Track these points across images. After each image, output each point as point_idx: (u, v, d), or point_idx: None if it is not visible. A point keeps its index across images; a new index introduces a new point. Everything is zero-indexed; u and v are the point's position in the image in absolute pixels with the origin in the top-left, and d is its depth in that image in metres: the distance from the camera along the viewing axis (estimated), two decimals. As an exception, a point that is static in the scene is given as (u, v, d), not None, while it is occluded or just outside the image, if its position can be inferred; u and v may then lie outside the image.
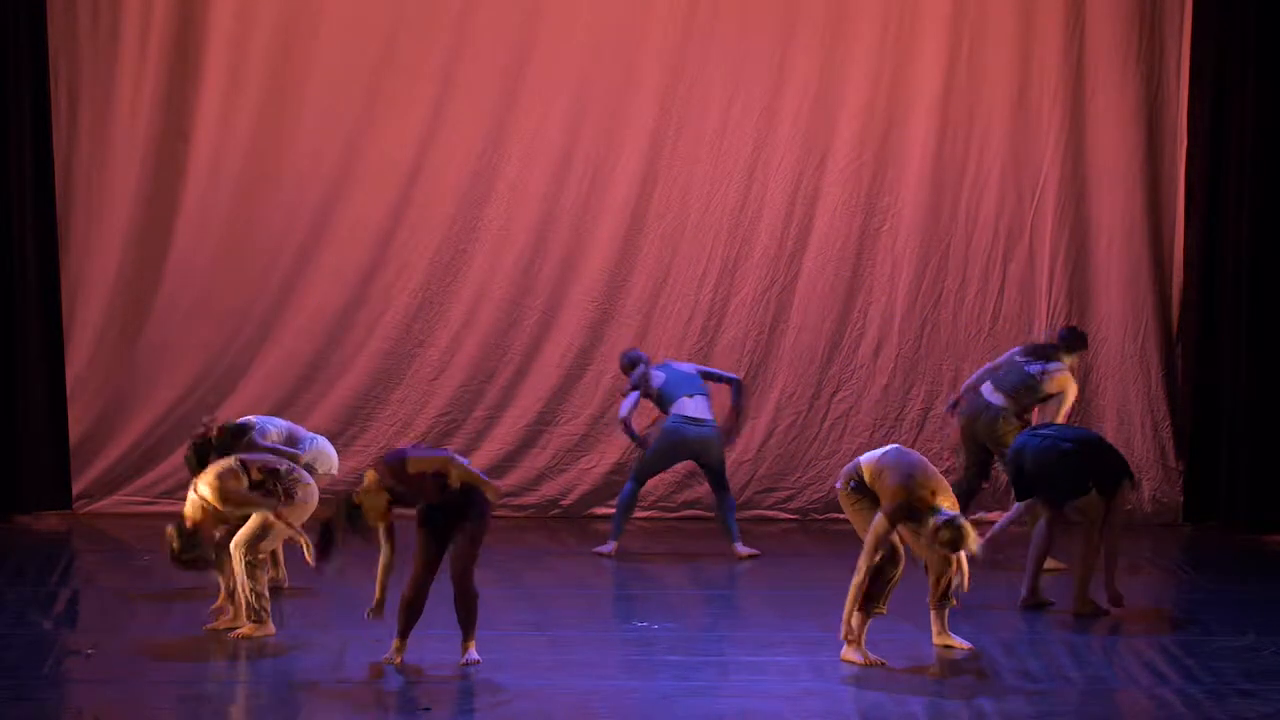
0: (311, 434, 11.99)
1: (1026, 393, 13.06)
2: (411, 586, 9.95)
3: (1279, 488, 14.60)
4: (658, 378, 13.33)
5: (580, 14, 14.99)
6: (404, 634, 10.02)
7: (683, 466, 14.35)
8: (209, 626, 10.71)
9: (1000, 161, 15.08)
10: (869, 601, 10.16)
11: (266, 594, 10.58)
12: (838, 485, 10.33)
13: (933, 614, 10.50)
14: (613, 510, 13.67)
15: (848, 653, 10.17)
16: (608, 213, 15.03)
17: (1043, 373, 13.03)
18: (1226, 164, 14.83)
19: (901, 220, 15.08)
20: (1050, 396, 13.08)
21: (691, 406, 13.25)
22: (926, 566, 10.38)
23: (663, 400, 13.34)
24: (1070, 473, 11.51)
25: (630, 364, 13.45)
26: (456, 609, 9.94)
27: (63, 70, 14.67)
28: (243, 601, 10.52)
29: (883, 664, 10.10)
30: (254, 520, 10.49)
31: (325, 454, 11.83)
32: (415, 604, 9.97)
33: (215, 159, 14.83)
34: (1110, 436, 14.92)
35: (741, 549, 13.37)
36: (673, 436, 13.28)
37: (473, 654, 9.96)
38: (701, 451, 13.31)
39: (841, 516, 14.80)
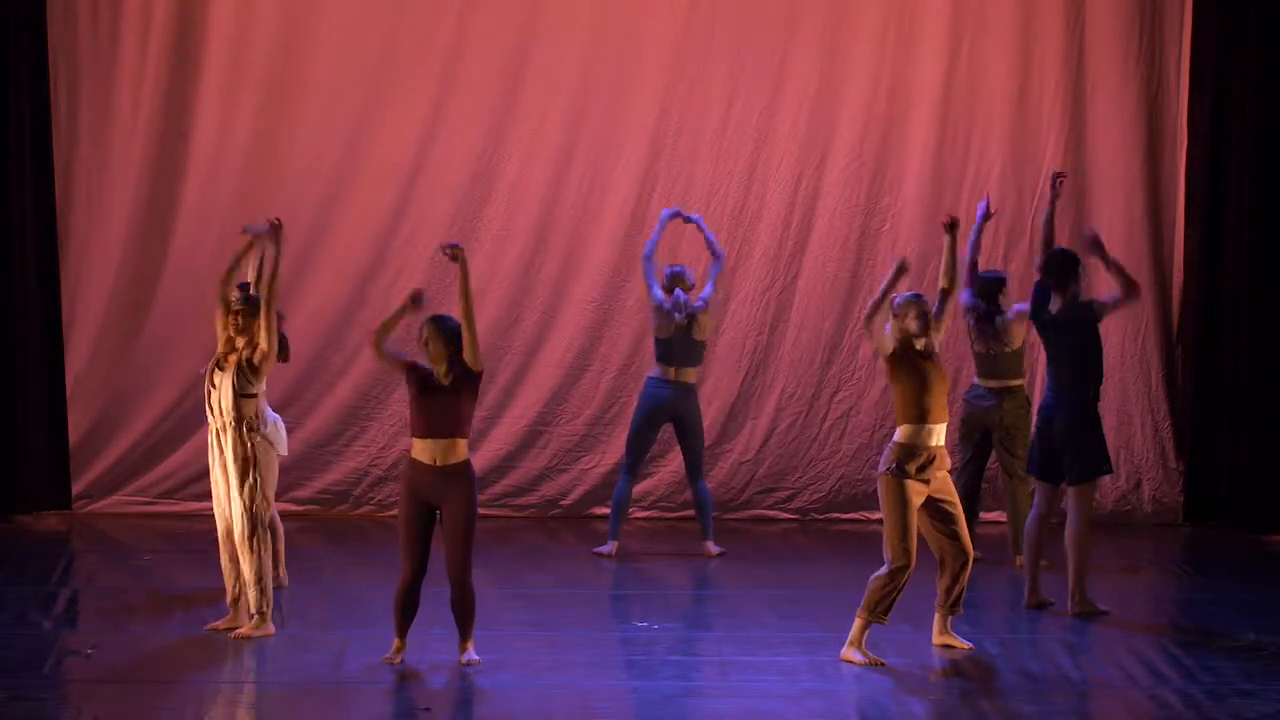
0: (273, 413, 11.94)
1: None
2: (402, 585, 9.94)
3: (1279, 488, 14.60)
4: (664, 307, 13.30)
5: (580, 14, 15.00)
6: (401, 633, 10.01)
7: (683, 464, 14.37)
8: (210, 627, 10.71)
9: (1000, 161, 15.08)
10: (875, 609, 10.16)
11: (271, 593, 10.57)
12: (879, 469, 10.27)
13: (937, 615, 10.50)
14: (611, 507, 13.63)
15: (847, 652, 10.18)
16: (608, 213, 15.03)
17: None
18: (1226, 164, 14.83)
19: (901, 220, 15.09)
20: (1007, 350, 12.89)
21: (674, 372, 13.25)
22: (942, 566, 10.37)
23: (660, 350, 13.36)
24: (1098, 446, 11.40)
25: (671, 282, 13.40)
26: (454, 609, 9.93)
27: (63, 70, 14.68)
28: (245, 600, 10.52)
29: (882, 664, 10.10)
30: (240, 507, 10.45)
31: (280, 436, 11.77)
32: (408, 602, 9.96)
33: (215, 159, 14.84)
34: (1110, 436, 14.94)
35: (712, 547, 13.38)
36: (646, 400, 13.33)
37: (472, 654, 9.96)
38: (674, 413, 13.30)
39: (842, 516, 14.97)
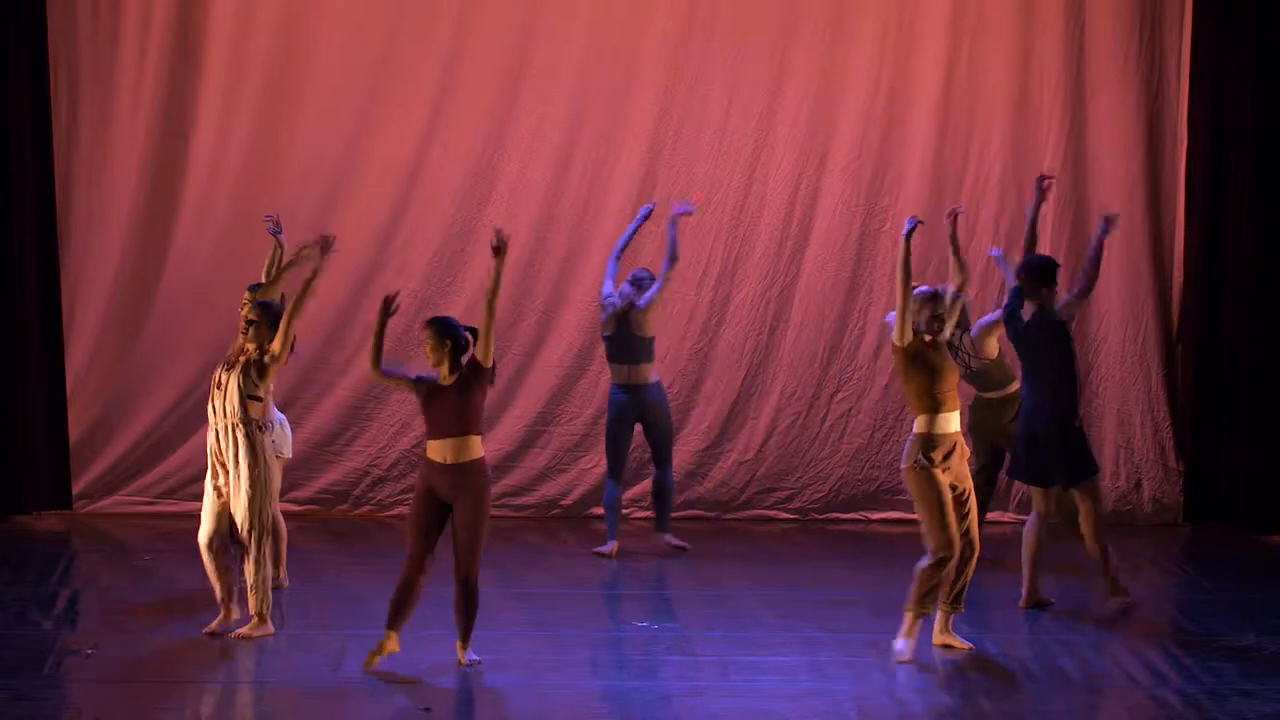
0: (280, 415, 11.93)
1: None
2: (402, 578, 9.92)
3: (1279, 488, 14.60)
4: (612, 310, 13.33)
5: (580, 14, 14.99)
6: (391, 625, 9.95)
7: (681, 464, 14.38)
8: (206, 630, 10.67)
9: (1000, 161, 15.07)
10: (924, 601, 10.22)
11: (270, 595, 10.56)
12: (904, 465, 10.32)
13: (939, 613, 10.50)
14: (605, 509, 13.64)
15: (900, 645, 10.30)
16: (608, 213, 15.03)
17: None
18: (1226, 164, 14.82)
19: (901, 220, 15.01)
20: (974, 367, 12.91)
21: (626, 373, 13.27)
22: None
23: (607, 349, 13.41)
24: (1081, 450, 11.43)
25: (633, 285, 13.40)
26: (456, 608, 9.91)
27: (63, 70, 14.67)
28: (246, 600, 10.50)
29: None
30: (244, 505, 10.45)
31: (286, 437, 11.77)
32: (403, 597, 9.93)
33: (215, 159, 14.84)
34: (1110, 436, 14.98)
35: (671, 540, 13.41)
36: (611, 408, 13.38)
37: (471, 655, 9.95)
38: (639, 415, 13.32)
39: (842, 516, 14.97)
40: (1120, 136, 15.04)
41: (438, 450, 9.91)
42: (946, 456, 10.27)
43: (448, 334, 10.00)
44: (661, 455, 13.44)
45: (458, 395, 9.91)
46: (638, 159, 15.01)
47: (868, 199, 15.07)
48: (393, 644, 9.96)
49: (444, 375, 9.98)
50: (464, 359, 9.98)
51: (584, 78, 14.98)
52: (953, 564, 10.36)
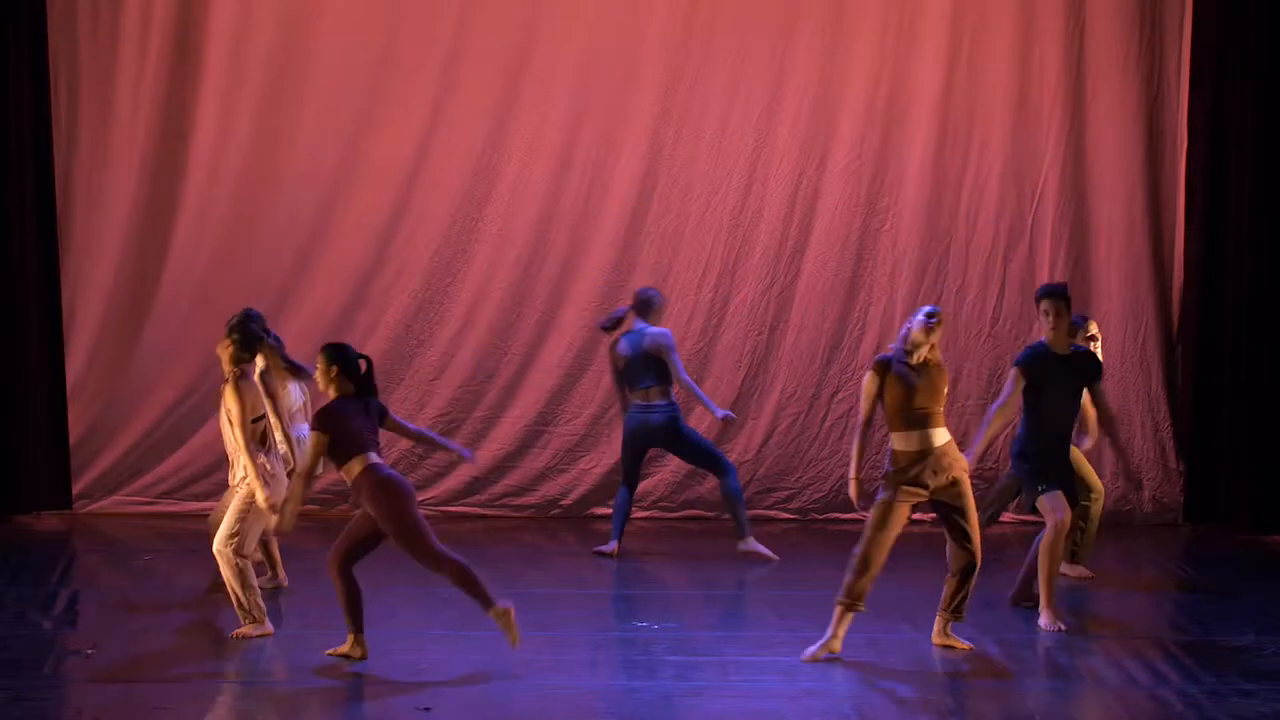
0: (305, 429, 11.92)
1: None
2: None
3: (1279, 488, 14.60)
4: (621, 354, 13.31)
5: (580, 14, 15.00)
6: (350, 630, 10.03)
7: (682, 464, 14.39)
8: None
9: (1000, 161, 15.08)
10: (854, 593, 10.25)
11: (259, 593, 10.55)
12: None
13: (939, 617, 10.50)
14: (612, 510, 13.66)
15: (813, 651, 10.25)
16: (608, 212, 15.04)
17: None
18: (1226, 164, 14.83)
19: (901, 220, 15.09)
20: None
21: (639, 394, 13.25)
22: (951, 567, 10.38)
23: (621, 379, 13.39)
24: (1030, 470, 11.40)
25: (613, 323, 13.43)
26: (461, 590, 9.88)
27: (63, 70, 14.68)
28: (236, 603, 10.50)
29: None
30: (230, 515, 10.46)
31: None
32: (339, 587, 9.98)
33: (215, 159, 14.84)
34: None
35: (760, 548, 13.25)
36: (626, 424, 13.35)
37: (507, 605, 9.87)
38: (654, 439, 13.31)
39: (842, 516, 14.98)
40: (1120, 136, 15.05)
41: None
42: (910, 470, 10.16)
43: (333, 360, 10.01)
44: (713, 465, 13.37)
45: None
46: (638, 159, 15.02)
47: (868, 199, 15.07)
48: (355, 648, 9.98)
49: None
50: (357, 381, 9.98)
51: (584, 78, 14.99)
52: (955, 576, 10.33)
